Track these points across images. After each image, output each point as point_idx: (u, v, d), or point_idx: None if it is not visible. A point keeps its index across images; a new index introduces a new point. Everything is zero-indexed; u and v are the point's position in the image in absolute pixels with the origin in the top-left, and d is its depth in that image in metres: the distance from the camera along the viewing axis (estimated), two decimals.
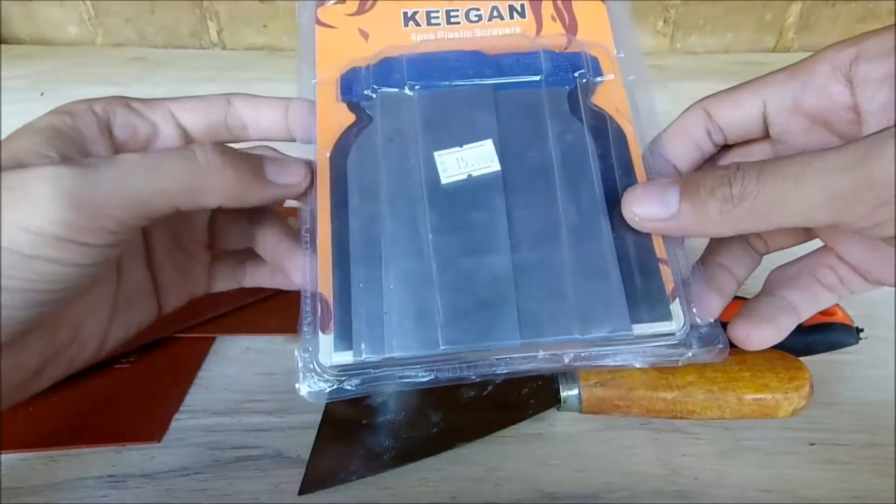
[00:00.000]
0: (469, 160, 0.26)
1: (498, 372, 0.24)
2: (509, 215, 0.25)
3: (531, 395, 0.30)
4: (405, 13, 0.29)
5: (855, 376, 0.33)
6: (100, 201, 0.19)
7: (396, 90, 0.27)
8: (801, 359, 0.29)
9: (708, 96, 0.26)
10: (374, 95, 0.27)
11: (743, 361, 0.29)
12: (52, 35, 0.80)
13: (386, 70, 0.27)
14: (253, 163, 0.23)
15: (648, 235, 0.24)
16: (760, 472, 0.28)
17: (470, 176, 0.25)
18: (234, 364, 0.35)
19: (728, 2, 0.72)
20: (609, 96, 0.27)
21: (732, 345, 0.30)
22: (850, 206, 0.19)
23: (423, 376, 0.24)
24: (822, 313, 0.32)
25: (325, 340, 0.23)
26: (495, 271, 0.24)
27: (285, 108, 0.27)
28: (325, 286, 0.24)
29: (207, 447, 0.30)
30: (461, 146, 0.26)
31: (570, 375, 0.30)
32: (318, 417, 0.30)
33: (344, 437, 0.29)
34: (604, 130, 0.26)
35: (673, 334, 0.23)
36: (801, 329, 0.32)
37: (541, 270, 0.24)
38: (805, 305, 0.25)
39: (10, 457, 0.29)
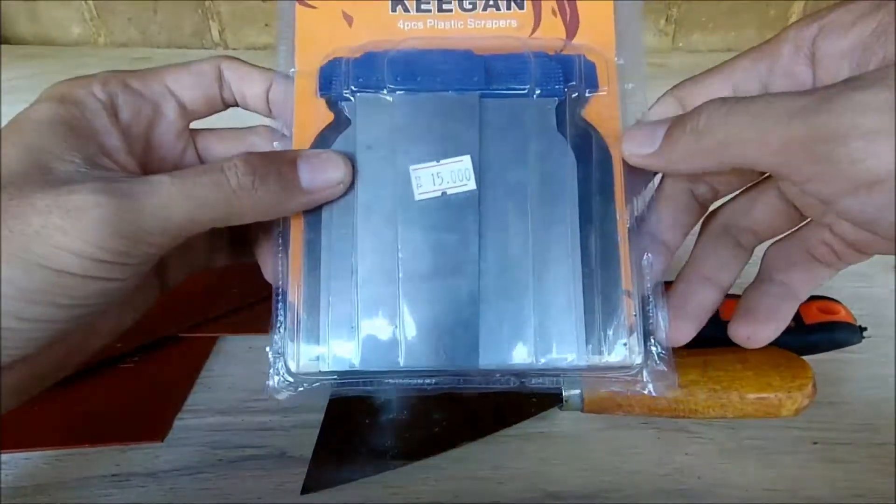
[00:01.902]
0: (445, 177, 0.25)
1: (457, 387, 0.25)
2: (481, 238, 0.24)
3: (534, 394, 0.30)
4: None
5: (858, 375, 0.33)
6: (141, 230, 0.20)
7: (376, 93, 0.25)
8: (804, 358, 0.29)
9: (679, 83, 0.25)
10: (352, 98, 0.26)
11: (746, 360, 0.29)
12: (54, 35, 0.80)
13: (367, 68, 0.26)
14: (285, 172, 0.23)
15: (617, 266, 0.24)
16: (763, 471, 0.28)
17: (444, 193, 0.25)
18: (238, 363, 0.35)
19: (730, 0, 0.71)
20: (601, 111, 0.26)
21: (725, 344, 0.30)
22: (793, 153, 0.18)
23: (384, 386, 0.25)
24: (825, 312, 0.32)
25: (293, 348, 0.24)
26: (462, 294, 0.24)
27: (268, 87, 0.26)
28: (295, 293, 0.24)
29: (211, 446, 0.30)
30: (438, 161, 0.25)
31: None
32: (321, 417, 0.30)
33: (347, 436, 0.29)
34: (589, 151, 0.25)
35: (627, 368, 0.24)
36: (804, 328, 0.32)
37: (506, 296, 0.24)
38: (805, 286, 0.25)
39: (14, 456, 0.29)
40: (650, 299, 0.24)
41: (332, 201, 0.25)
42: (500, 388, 0.25)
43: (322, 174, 0.23)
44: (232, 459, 0.29)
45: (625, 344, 0.24)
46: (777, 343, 0.31)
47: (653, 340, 0.24)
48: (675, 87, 0.25)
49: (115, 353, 0.34)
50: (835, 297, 0.33)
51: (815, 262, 0.25)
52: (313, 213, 0.25)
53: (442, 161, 0.25)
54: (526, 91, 0.26)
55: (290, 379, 0.24)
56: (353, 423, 0.30)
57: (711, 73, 0.25)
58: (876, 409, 0.31)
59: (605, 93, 0.26)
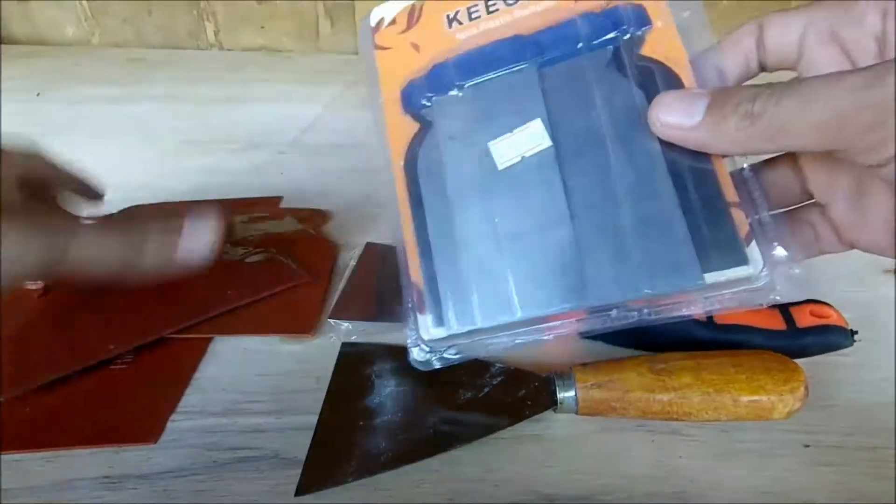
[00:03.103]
0: (521, 143, 0.27)
1: (573, 332, 0.27)
2: (566, 186, 0.26)
3: (528, 396, 0.30)
4: (447, 16, 0.30)
5: (849, 378, 0.33)
6: None
7: (448, 94, 0.29)
8: (796, 361, 0.29)
9: (766, 15, 0.26)
10: (429, 103, 0.30)
11: (739, 364, 0.29)
12: (48, 35, 0.80)
13: (436, 77, 0.30)
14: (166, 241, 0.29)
15: (714, 181, 0.24)
16: (756, 473, 0.28)
17: (523, 157, 0.27)
18: (231, 365, 0.35)
19: (728, 2, 0.72)
20: (660, 44, 0.27)
21: (729, 346, 0.31)
22: (846, 127, 0.19)
23: (506, 342, 0.27)
24: (817, 315, 0.32)
25: (423, 319, 0.27)
26: (559, 241, 0.26)
27: None
28: (416, 275, 0.28)
29: (204, 448, 0.30)
30: (511, 131, 0.28)
31: (566, 377, 0.30)
32: (315, 418, 0.30)
33: (341, 438, 0.29)
34: (654, 81, 0.26)
35: (749, 279, 0.23)
36: (796, 331, 0.32)
37: (602, 234, 0.25)
38: None
39: (5, 457, 0.29)
40: (764, 208, 0.24)
41: (428, 191, 0.28)
42: (621, 324, 0.26)
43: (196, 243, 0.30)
44: (225, 461, 0.29)
45: (745, 255, 0.23)
46: (770, 346, 0.31)
47: (777, 245, 0.24)
48: (759, 17, 0.26)
49: (109, 354, 0.33)
50: (826, 301, 0.33)
51: (795, 235, 0.26)
52: (416, 207, 0.29)
53: (515, 130, 0.28)
54: (579, 48, 0.28)
55: (428, 348, 0.28)
56: (348, 426, 0.30)
57: (794, 9, 0.25)
58: (867, 412, 0.31)
59: (659, 25, 0.27)
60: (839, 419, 0.31)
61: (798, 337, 0.32)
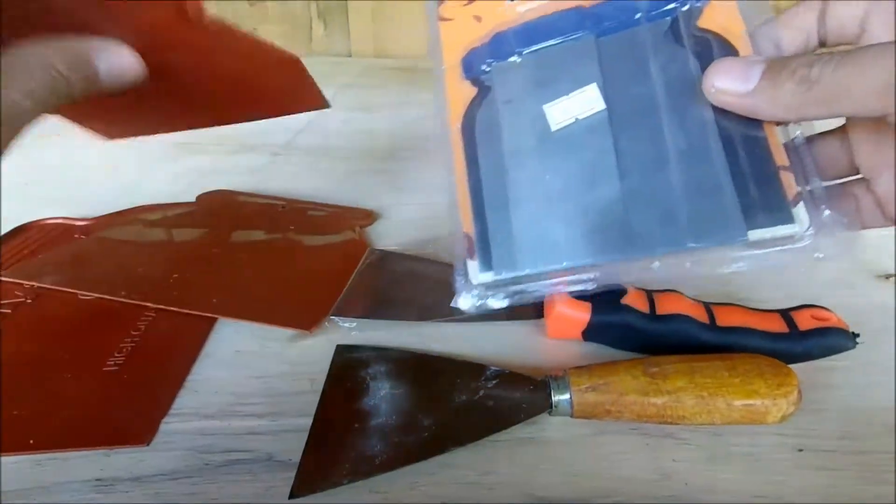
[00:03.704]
0: (575, 106, 0.29)
1: (616, 282, 0.29)
2: (617, 148, 0.27)
3: (523, 399, 0.30)
4: None
5: (841, 383, 0.33)
6: None
7: (507, 60, 0.31)
8: (791, 365, 0.29)
9: None
10: (488, 69, 0.31)
11: (732, 367, 0.29)
12: None
13: (497, 45, 0.31)
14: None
15: (764, 145, 0.25)
16: (750, 477, 0.28)
17: (577, 119, 0.28)
18: (225, 367, 0.34)
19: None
20: (717, 16, 0.27)
21: (731, 349, 0.31)
22: None
23: (549, 289, 0.29)
24: (817, 318, 0.32)
25: (472, 265, 0.29)
26: (607, 198, 0.27)
27: None
28: (468, 226, 0.30)
29: (197, 451, 0.29)
30: (567, 95, 0.29)
31: (561, 380, 0.30)
32: (309, 421, 0.30)
33: (335, 440, 0.29)
34: (710, 52, 0.26)
35: (792, 238, 0.24)
36: (798, 334, 0.32)
37: (650, 193, 0.26)
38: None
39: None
40: (813, 172, 0.25)
41: (484, 151, 0.30)
42: (664, 276, 0.27)
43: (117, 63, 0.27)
44: (219, 464, 0.29)
45: (790, 214, 0.24)
46: (772, 349, 0.31)
47: (825, 209, 0.24)
48: None
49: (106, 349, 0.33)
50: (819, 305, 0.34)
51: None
52: (472, 165, 0.30)
53: (571, 94, 0.29)
54: (637, 19, 0.28)
55: (475, 292, 0.29)
56: (342, 428, 0.30)
57: None
58: (859, 416, 0.31)
59: None
60: (832, 423, 0.31)
61: (801, 339, 0.32)
